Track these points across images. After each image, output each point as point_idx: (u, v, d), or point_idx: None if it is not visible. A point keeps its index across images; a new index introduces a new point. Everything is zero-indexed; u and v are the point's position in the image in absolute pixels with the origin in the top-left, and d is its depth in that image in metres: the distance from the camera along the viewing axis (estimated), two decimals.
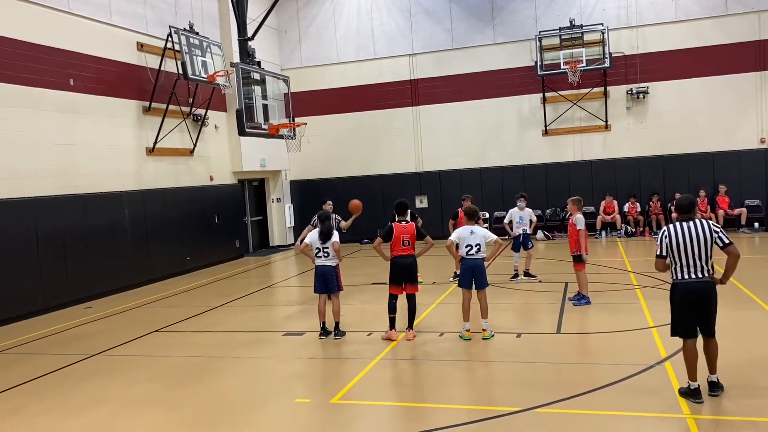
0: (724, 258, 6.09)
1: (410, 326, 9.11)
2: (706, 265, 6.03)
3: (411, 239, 9.00)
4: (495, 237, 8.90)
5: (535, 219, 13.40)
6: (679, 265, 6.09)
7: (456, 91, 21.26)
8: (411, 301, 9.08)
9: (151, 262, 15.89)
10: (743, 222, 18.67)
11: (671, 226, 6.20)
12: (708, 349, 6.15)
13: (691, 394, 6.09)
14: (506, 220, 13.25)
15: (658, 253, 6.22)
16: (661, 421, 5.81)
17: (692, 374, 6.11)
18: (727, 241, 6.02)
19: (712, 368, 6.20)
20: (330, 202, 12.37)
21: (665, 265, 6.21)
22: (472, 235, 8.80)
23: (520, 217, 13.01)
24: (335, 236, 9.39)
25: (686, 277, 6.06)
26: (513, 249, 13.10)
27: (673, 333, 6.24)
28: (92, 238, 14.09)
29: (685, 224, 6.12)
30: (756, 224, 18.61)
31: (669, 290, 6.28)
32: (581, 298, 10.55)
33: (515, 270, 13.11)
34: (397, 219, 9.12)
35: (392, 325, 9.11)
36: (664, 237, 6.18)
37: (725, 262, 6.08)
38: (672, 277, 6.19)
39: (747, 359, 7.24)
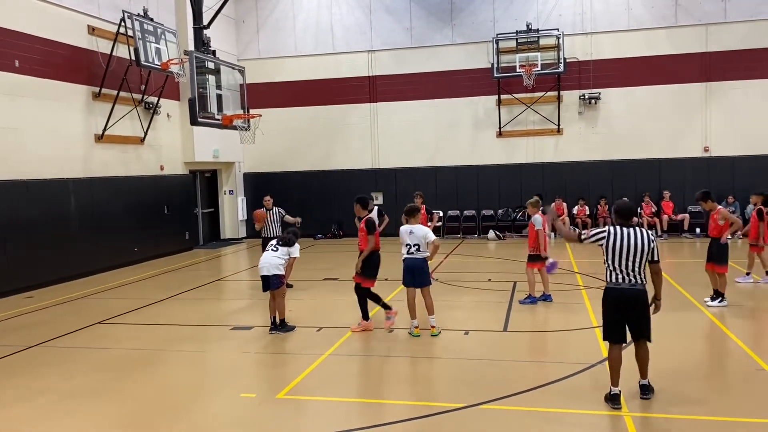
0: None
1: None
2: (640, 273, 6.04)
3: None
4: (434, 238, 8.78)
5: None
6: (613, 269, 6.07)
7: (414, 90, 21.36)
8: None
9: (98, 252, 15.48)
10: (686, 227, 19.32)
11: (611, 227, 6.14)
12: (638, 355, 6.19)
13: (610, 399, 6.12)
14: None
15: (583, 236, 6.31)
16: (601, 418, 5.96)
17: (614, 380, 6.13)
18: (656, 258, 6.09)
19: (643, 373, 6.26)
20: (269, 198, 13.19)
21: (573, 239, 6.56)
22: (410, 234, 8.78)
23: None
24: (294, 251, 9.44)
25: (620, 282, 6.06)
26: None
27: (605, 338, 6.24)
28: (35, 226, 13.63)
29: (626, 230, 6.09)
30: (698, 229, 19.26)
31: (603, 294, 6.24)
32: (527, 297, 10.75)
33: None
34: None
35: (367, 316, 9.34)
36: (599, 234, 6.15)
37: (652, 279, 6.16)
38: (606, 280, 6.18)
39: (679, 359, 7.50)
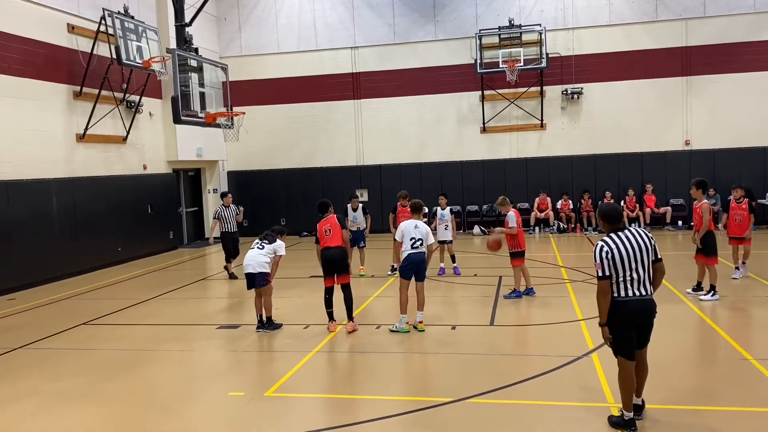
0: None
1: (350, 317, 9.14)
2: (649, 279, 5.42)
3: (332, 227, 9.04)
4: (433, 240, 9.00)
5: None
6: (623, 280, 5.34)
7: (397, 86, 21.36)
8: (346, 291, 9.10)
9: (81, 253, 15.33)
10: (668, 220, 19.54)
11: (608, 239, 5.40)
12: (638, 365, 5.54)
13: (626, 425, 5.45)
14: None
15: (601, 274, 5.34)
16: (587, 410, 6.02)
17: (629, 403, 5.49)
18: (659, 256, 5.49)
19: (639, 389, 5.63)
20: (230, 195, 14.35)
21: (606, 290, 5.36)
22: (416, 229, 8.88)
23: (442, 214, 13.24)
24: (280, 249, 9.46)
25: (633, 293, 5.34)
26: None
27: (618, 353, 5.53)
28: (16, 227, 13.47)
29: (622, 235, 5.40)
30: (680, 222, 19.50)
31: (610, 308, 5.42)
32: (512, 292, 10.84)
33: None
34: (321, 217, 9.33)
35: (331, 318, 9.15)
36: (605, 254, 5.33)
37: (654, 278, 5.50)
38: (614, 293, 5.38)
39: (666, 351, 7.60)
